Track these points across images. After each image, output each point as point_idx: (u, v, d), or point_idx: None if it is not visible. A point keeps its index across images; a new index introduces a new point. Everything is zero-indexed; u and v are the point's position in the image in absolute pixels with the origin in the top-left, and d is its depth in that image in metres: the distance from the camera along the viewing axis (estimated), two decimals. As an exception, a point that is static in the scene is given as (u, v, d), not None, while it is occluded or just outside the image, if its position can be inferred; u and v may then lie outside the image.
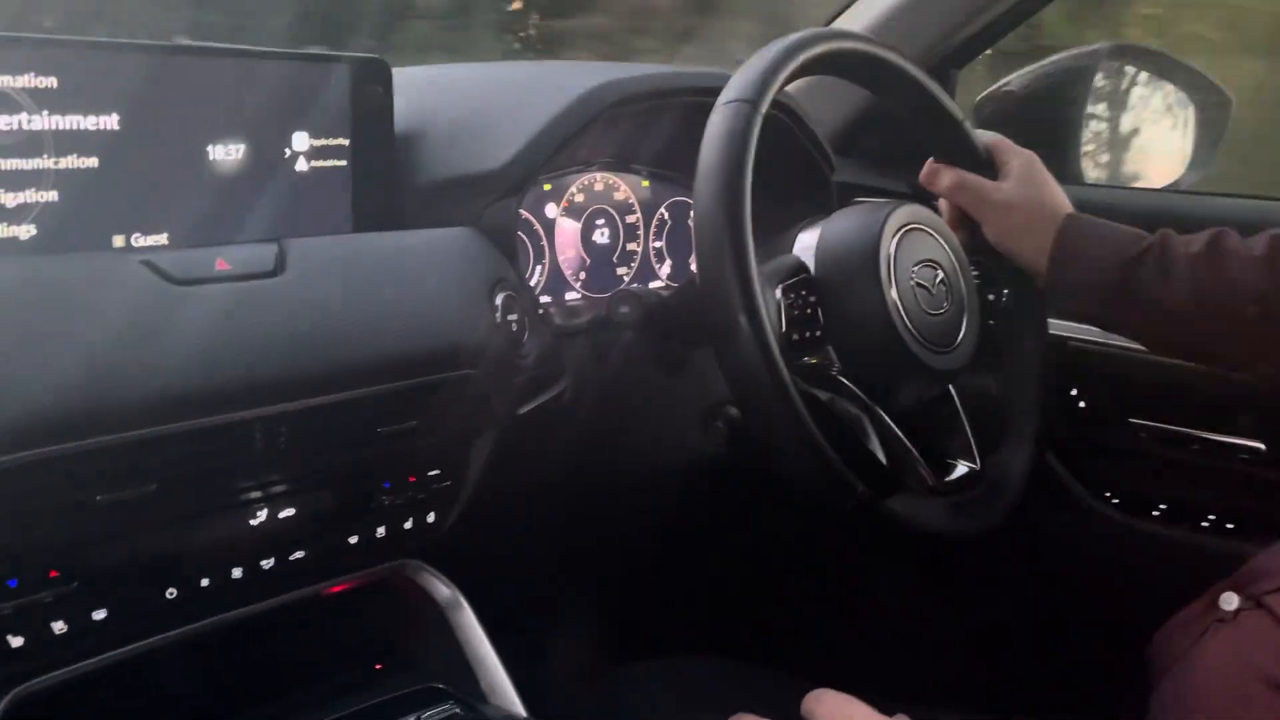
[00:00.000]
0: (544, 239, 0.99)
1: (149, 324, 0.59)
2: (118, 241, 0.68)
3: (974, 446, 0.85)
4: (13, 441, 0.53)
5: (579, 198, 1.01)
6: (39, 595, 0.58)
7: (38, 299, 0.57)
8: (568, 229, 1.01)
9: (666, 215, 1.09)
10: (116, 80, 0.66)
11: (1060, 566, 1.10)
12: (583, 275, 1.03)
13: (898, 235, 0.78)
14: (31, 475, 0.54)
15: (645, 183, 1.07)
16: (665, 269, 1.10)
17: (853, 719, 0.62)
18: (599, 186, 1.03)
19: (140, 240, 0.69)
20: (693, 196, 0.69)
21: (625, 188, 1.05)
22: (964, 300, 0.82)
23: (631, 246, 1.07)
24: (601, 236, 1.04)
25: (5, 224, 0.63)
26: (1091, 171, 1.19)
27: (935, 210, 0.88)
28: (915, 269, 0.78)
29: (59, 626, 0.60)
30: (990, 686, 0.96)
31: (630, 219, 1.06)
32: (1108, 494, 1.09)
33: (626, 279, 1.07)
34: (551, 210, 0.99)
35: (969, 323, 0.82)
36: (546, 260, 0.99)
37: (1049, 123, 1.16)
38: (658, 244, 1.09)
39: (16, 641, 0.58)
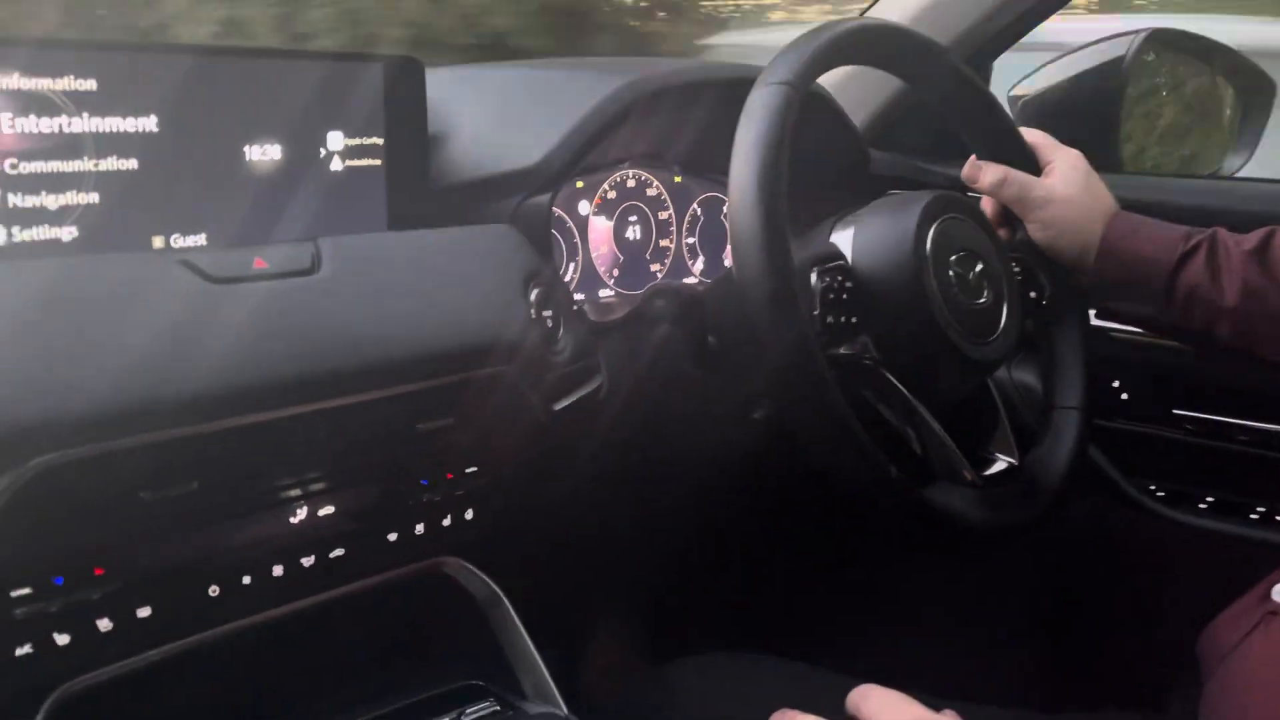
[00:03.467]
0: (577, 236, 0.99)
1: (188, 322, 0.59)
2: (157, 243, 0.69)
3: (1013, 441, 0.83)
4: (55, 439, 0.53)
5: (611, 194, 1.01)
6: (85, 593, 0.59)
7: (80, 299, 0.57)
8: (600, 226, 1.01)
9: (699, 211, 1.09)
10: (154, 82, 0.67)
11: (1106, 561, 1.08)
12: (616, 272, 1.03)
13: (937, 223, 0.77)
14: (75, 472, 0.54)
15: (678, 178, 1.06)
16: (698, 265, 1.10)
17: (899, 715, 0.62)
18: (631, 183, 1.03)
19: (179, 241, 0.70)
20: (728, 175, 0.68)
21: (658, 184, 1.05)
22: (1004, 291, 0.81)
23: (664, 243, 1.07)
24: (634, 233, 1.04)
25: (48, 226, 0.64)
26: (1131, 160, 1.17)
27: (976, 201, 0.87)
28: (954, 259, 0.77)
29: (104, 624, 0.60)
30: (1037, 682, 0.95)
31: (663, 215, 1.06)
32: (1153, 487, 1.07)
33: (660, 275, 1.07)
34: (584, 207, 0.99)
35: (1009, 314, 0.81)
36: (580, 257, 0.99)
37: (1085, 111, 1.14)
38: (690, 240, 1.09)
39: (63, 639, 0.59)
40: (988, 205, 0.89)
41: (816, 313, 0.73)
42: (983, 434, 0.84)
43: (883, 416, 0.76)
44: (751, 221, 0.67)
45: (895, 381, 0.75)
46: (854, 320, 0.75)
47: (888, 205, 0.80)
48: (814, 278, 0.73)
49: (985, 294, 0.79)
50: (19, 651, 0.57)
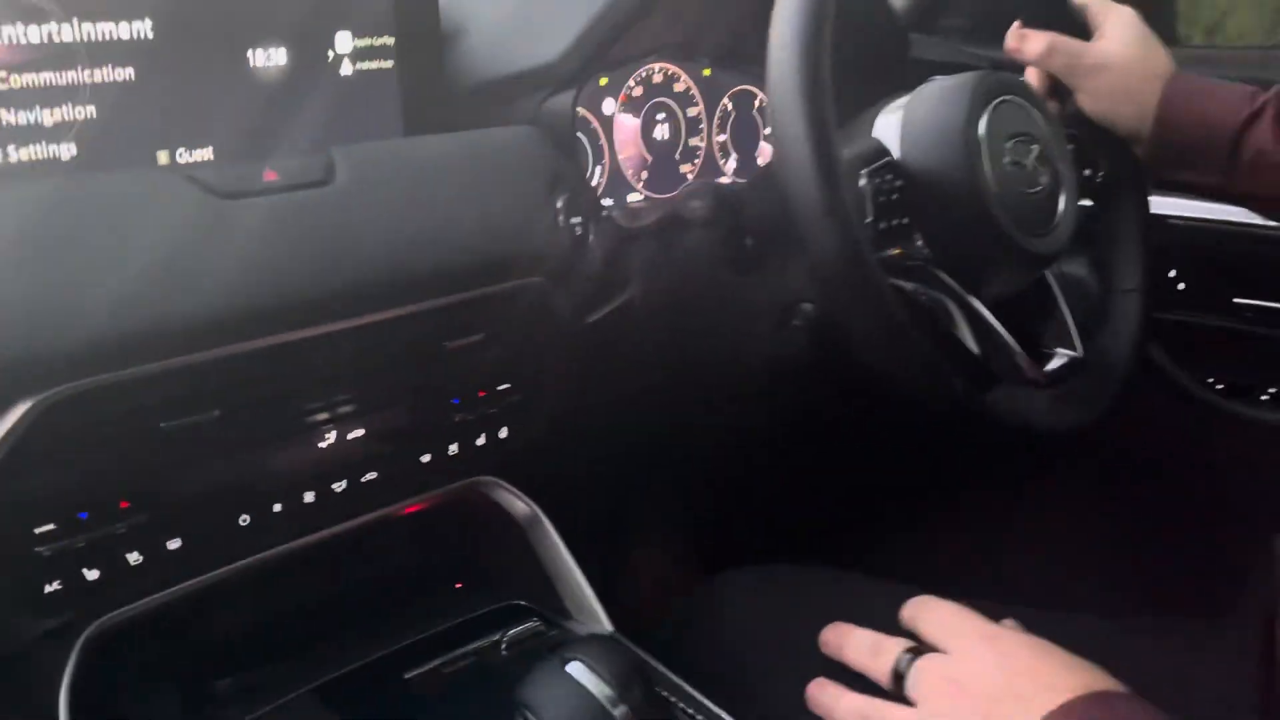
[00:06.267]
0: (603, 138, 0.94)
1: (196, 242, 0.56)
2: (162, 158, 0.65)
3: (1074, 333, 0.79)
4: (62, 371, 0.51)
5: (637, 91, 0.96)
6: (112, 527, 0.57)
7: (80, 221, 0.54)
8: (627, 125, 0.96)
9: (730, 106, 1.03)
10: (147, -17, 0.62)
11: (1166, 458, 1.05)
12: (645, 175, 0.98)
13: (988, 109, 0.72)
14: (87, 405, 0.52)
15: (706, 71, 1.01)
16: (730, 164, 1.05)
17: (957, 626, 0.59)
18: (658, 79, 0.97)
19: (185, 156, 0.66)
20: (766, 74, 0.63)
21: (686, 78, 0.99)
22: (1061, 177, 0.76)
23: (694, 141, 1.01)
24: (662, 132, 0.99)
25: (45, 143, 0.61)
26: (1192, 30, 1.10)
27: (1026, 81, 0.81)
28: (1009, 145, 0.72)
29: (134, 557, 0.58)
30: (1099, 586, 0.92)
31: (692, 112, 1.00)
32: (1211, 380, 1.03)
33: (690, 176, 1.02)
34: (609, 106, 0.94)
35: (1067, 202, 0.76)
36: (606, 160, 0.94)
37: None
38: (721, 138, 1.04)
39: (92, 574, 0.57)
40: (1034, 77, 0.84)
41: (869, 220, 0.68)
42: (1041, 328, 0.80)
43: (936, 318, 0.72)
44: (796, 123, 0.61)
45: (950, 281, 0.71)
46: (905, 221, 0.71)
47: (934, 92, 0.74)
48: (863, 180, 0.69)
49: (1043, 181, 0.74)
50: (48, 589, 0.56)
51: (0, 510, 0.52)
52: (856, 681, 0.61)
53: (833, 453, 1.10)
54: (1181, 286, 1.04)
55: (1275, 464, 0.92)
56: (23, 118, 0.59)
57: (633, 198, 0.98)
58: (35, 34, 0.59)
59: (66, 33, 0.60)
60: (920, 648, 0.59)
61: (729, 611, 0.74)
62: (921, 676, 0.56)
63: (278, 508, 0.64)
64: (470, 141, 0.72)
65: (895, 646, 0.59)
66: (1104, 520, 1.04)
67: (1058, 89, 0.83)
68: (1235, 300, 1.00)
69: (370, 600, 0.73)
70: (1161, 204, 1.00)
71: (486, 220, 0.68)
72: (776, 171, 0.64)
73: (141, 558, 0.59)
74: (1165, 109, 0.77)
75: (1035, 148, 0.74)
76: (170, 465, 0.59)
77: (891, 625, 0.62)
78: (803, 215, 0.62)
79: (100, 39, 0.61)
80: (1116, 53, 0.79)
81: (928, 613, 0.61)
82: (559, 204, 0.73)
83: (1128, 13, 0.81)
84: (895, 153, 0.72)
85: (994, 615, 0.61)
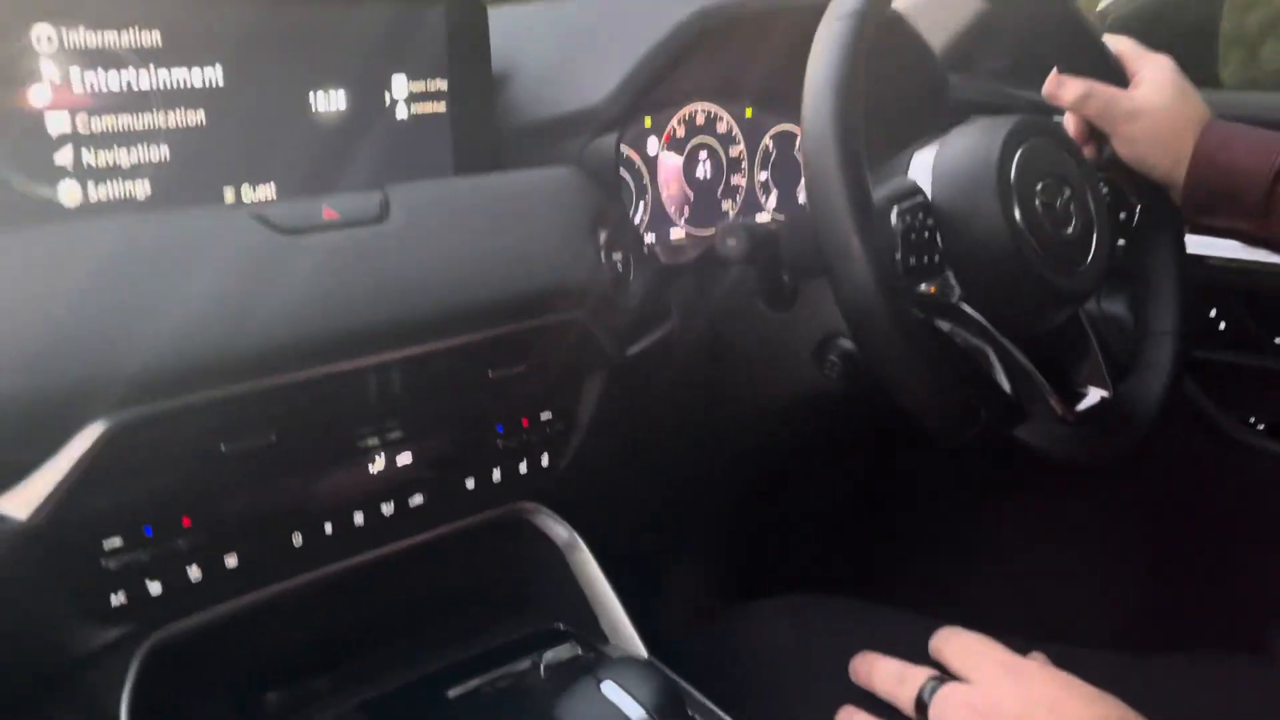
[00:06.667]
0: (646, 176, 0.97)
1: (259, 275, 0.59)
2: (228, 195, 0.69)
3: (1105, 372, 0.80)
4: (136, 395, 0.54)
5: (680, 131, 0.99)
6: (174, 543, 0.60)
7: (154, 256, 0.57)
8: (670, 164, 0.99)
9: (771, 146, 1.06)
10: (218, 33, 0.66)
11: (1201, 497, 1.05)
12: (686, 211, 1.01)
13: (1020, 150, 0.73)
14: (156, 427, 0.55)
15: (749, 112, 1.03)
16: (771, 201, 1.07)
17: (983, 658, 0.60)
18: (700, 119, 1.00)
19: (250, 194, 0.70)
20: (800, 115, 0.66)
21: (728, 119, 1.02)
22: (1093, 217, 0.77)
23: (736, 180, 1.04)
24: (705, 171, 1.01)
25: (122, 181, 0.65)
26: (1231, 76, 1.11)
27: (1059, 124, 0.83)
28: (1040, 186, 0.74)
29: (194, 573, 0.61)
30: (1130, 623, 0.92)
31: (734, 151, 1.03)
32: (1253, 420, 1.03)
33: (731, 213, 1.05)
34: (653, 146, 0.97)
35: (1099, 241, 0.77)
36: (649, 197, 0.97)
37: (1181, 25, 1.08)
38: (763, 176, 1.06)
39: (155, 588, 0.60)
40: (1071, 123, 0.85)
41: (899, 256, 0.70)
42: (1073, 367, 0.81)
43: (968, 355, 0.73)
44: (828, 165, 0.64)
45: (980, 318, 0.73)
46: (936, 258, 0.73)
47: (967, 134, 0.76)
48: (894, 218, 0.71)
49: (1074, 222, 0.75)
50: (114, 600, 0.59)
51: (72, 523, 0.55)
52: (885, 710, 0.62)
53: (865, 486, 1.11)
54: (1222, 326, 1.04)
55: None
56: (102, 158, 0.64)
57: (675, 233, 1.00)
58: (115, 80, 0.63)
59: (144, 80, 0.64)
60: (945, 677, 0.60)
61: (762, 638, 0.75)
62: (943, 705, 0.58)
63: (329, 528, 0.67)
64: (516, 181, 0.75)
65: (920, 675, 0.61)
66: (1137, 557, 1.03)
67: (1094, 134, 0.84)
68: (1277, 341, 1.00)
69: (415, 619, 0.75)
70: (1202, 244, 1.00)
71: (531, 257, 0.71)
72: (810, 210, 0.66)
73: (201, 573, 0.62)
74: (1199, 156, 0.78)
75: (1067, 189, 0.75)
76: (230, 486, 0.62)
77: (920, 655, 0.63)
78: (831, 248, 0.64)
79: (174, 85, 0.65)
80: (1151, 100, 0.80)
81: (953, 643, 0.62)
82: (601, 241, 0.75)
83: (1164, 61, 0.82)
84: (928, 192, 0.74)
85: (1023, 648, 0.62)
